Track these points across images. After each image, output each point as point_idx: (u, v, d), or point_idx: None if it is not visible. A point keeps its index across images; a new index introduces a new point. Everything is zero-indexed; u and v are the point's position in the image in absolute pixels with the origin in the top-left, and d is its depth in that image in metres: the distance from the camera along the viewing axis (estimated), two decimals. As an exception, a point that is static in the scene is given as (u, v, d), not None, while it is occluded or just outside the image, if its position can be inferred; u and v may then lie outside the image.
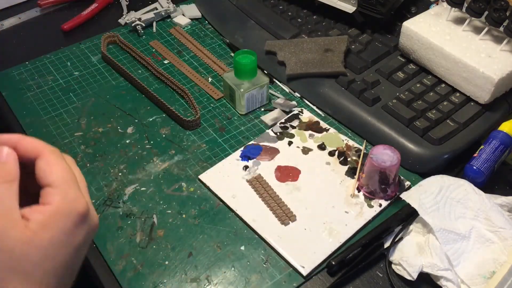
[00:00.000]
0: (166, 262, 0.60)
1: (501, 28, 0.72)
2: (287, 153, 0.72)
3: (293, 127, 0.75)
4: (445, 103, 0.74)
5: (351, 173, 0.69)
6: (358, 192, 0.67)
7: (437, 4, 0.82)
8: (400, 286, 0.59)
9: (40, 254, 0.38)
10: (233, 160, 0.70)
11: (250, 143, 0.73)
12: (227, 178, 0.68)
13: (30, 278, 0.38)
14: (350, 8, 0.84)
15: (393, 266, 0.60)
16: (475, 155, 0.68)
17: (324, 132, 0.74)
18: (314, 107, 0.79)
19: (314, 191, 0.67)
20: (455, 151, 0.69)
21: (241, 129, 0.76)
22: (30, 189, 0.41)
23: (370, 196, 0.66)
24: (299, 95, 0.80)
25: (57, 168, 0.41)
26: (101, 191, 0.67)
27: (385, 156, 0.64)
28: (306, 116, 0.77)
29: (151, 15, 0.93)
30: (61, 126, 0.76)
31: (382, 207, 0.65)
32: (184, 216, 0.65)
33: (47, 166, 0.41)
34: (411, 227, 0.62)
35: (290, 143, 0.73)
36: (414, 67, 0.79)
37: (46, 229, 0.38)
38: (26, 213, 0.38)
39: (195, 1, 0.98)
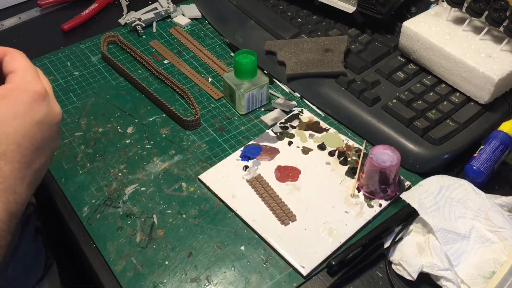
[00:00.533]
0: (166, 262, 0.60)
1: (501, 28, 0.72)
2: (287, 153, 0.72)
3: (293, 127, 0.75)
4: (445, 103, 0.74)
5: (351, 173, 0.69)
6: (358, 192, 0.67)
7: (437, 4, 0.82)
8: (400, 286, 0.59)
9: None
10: (233, 160, 0.70)
11: (250, 143, 0.73)
12: (227, 178, 0.68)
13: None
14: (350, 8, 0.84)
15: (393, 266, 0.60)
16: (475, 155, 0.68)
17: (324, 132, 0.74)
18: (314, 107, 0.79)
19: (314, 191, 0.67)
20: (455, 151, 0.69)
21: (241, 129, 0.76)
22: None
23: (370, 196, 0.66)
24: (299, 95, 0.80)
25: (20, 59, 0.48)
26: (101, 191, 0.67)
27: (385, 156, 0.64)
28: (306, 116, 0.77)
29: (151, 15, 0.93)
30: (61, 126, 0.76)
31: (382, 207, 0.65)
32: (184, 216, 0.65)
33: (10, 59, 0.48)
34: (411, 227, 0.62)
35: (290, 143, 0.73)
36: (414, 67, 0.79)
37: (5, 99, 0.45)
38: None
39: (195, 1, 0.98)
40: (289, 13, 0.90)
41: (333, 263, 0.58)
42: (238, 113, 0.78)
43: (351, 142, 0.73)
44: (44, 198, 0.70)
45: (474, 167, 0.67)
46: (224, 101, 0.80)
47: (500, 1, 0.69)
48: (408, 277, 0.58)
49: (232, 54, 0.87)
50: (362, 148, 0.72)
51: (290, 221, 0.63)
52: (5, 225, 0.43)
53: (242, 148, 0.72)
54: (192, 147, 0.73)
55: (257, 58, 0.75)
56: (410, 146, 0.70)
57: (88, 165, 0.70)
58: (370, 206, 0.65)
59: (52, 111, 0.49)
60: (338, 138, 0.74)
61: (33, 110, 0.46)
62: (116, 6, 1.00)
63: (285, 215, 0.64)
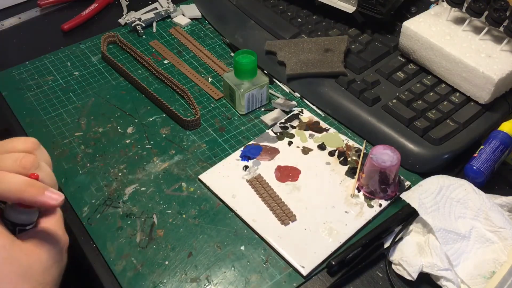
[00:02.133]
0: (166, 262, 0.60)
1: (501, 28, 0.72)
2: (287, 153, 0.72)
3: (293, 127, 0.75)
4: (445, 103, 0.74)
5: (351, 173, 0.69)
6: (358, 192, 0.67)
7: (437, 4, 0.82)
8: (400, 286, 0.59)
9: (41, 266, 0.47)
10: (233, 160, 0.70)
11: (250, 143, 0.73)
12: (227, 178, 0.68)
13: (38, 285, 0.46)
14: (350, 8, 0.84)
15: (393, 266, 0.60)
16: (475, 155, 0.68)
17: (324, 132, 0.74)
18: (314, 107, 0.79)
19: (314, 191, 0.67)
20: (455, 151, 0.69)
21: (241, 129, 0.76)
22: None
23: (370, 196, 0.66)
24: (299, 95, 0.80)
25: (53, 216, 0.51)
26: (101, 191, 0.67)
27: (385, 156, 0.64)
28: (306, 116, 0.77)
29: (151, 15, 0.93)
30: (61, 126, 0.76)
31: (382, 207, 0.65)
32: (184, 216, 0.65)
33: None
34: (411, 227, 0.62)
35: (290, 143, 0.73)
36: (414, 67, 0.79)
37: (43, 246, 0.48)
38: (21, 235, 0.47)
39: (195, 1, 0.98)
40: (289, 13, 0.90)
41: (333, 263, 0.58)
42: (238, 113, 0.78)
43: (351, 142, 0.73)
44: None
45: (474, 167, 0.67)
46: (224, 101, 0.80)
47: (500, 1, 0.69)
48: (408, 277, 0.58)
49: (232, 54, 0.87)
50: (362, 148, 0.72)
51: (290, 221, 0.63)
52: None
53: (242, 148, 0.72)
54: (192, 147, 0.73)
55: (257, 58, 0.75)
56: (410, 146, 0.70)
57: (88, 165, 0.70)
58: (370, 206, 0.65)
59: (64, 264, 0.52)
60: (338, 138, 0.74)
61: (61, 257, 0.50)
62: (116, 6, 1.00)
63: (285, 215, 0.64)
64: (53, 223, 0.50)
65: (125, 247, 0.61)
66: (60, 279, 0.51)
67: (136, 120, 0.77)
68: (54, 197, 0.47)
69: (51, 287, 0.49)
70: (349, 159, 0.71)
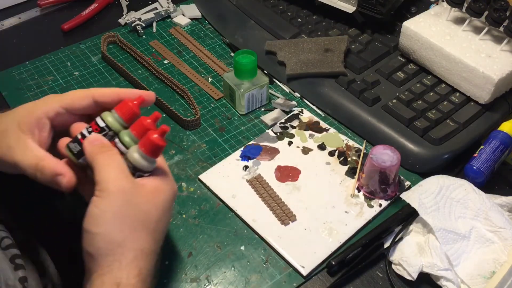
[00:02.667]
0: (166, 262, 0.60)
1: (501, 28, 0.72)
2: (287, 153, 0.72)
3: (293, 127, 0.75)
4: (445, 103, 0.74)
5: (351, 173, 0.69)
6: (358, 192, 0.67)
7: (437, 4, 0.82)
8: (400, 286, 0.59)
9: (158, 213, 0.49)
10: (233, 160, 0.70)
11: (250, 143, 0.73)
12: (227, 178, 0.68)
13: (152, 232, 0.48)
14: (350, 8, 0.84)
15: (393, 266, 0.60)
16: (475, 155, 0.68)
17: (324, 132, 0.74)
18: (314, 107, 0.79)
19: (314, 191, 0.67)
20: (455, 151, 0.70)
21: (241, 129, 0.76)
22: None
23: (370, 196, 0.66)
24: (299, 95, 0.80)
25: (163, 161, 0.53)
26: (101, 191, 0.67)
27: (385, 156, 0.64)
28: (306, 116, 0.77)
29: (151, 15, 0.93)
30: (61, 126, 0.76)
31: (382, 207, 0.65)
32: (184, 216, 0.65)
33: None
34: (411, 227, 0.62)
35: (290, 143, 0.73)
36: (414, 67, 0.79)
37: (160, 194, 0.50)
38: (139, 180, 0.49)
39: (195, 1, 0.98)
40: (289, 13, 0.90)
41: (333, 263, 0.58)
42: (238, 113, 0.78)
43: (351, 142, 0.73)
44: (44, 198, 0.70)
45: (474, 167, 0.67)
46: (224, 101, 0.80)
47: (500, 1, 0.69)
48: (408, 277, 0.58)
49: (232, 54, 0.87)
50: (362, 148, 0.72)
51: (290, 221, 0.63)
52: None
53: (242, 148, 0.72)
54: (192, 147, 0.73)
55: (257, 58, 0.75)
56: (410, 146, 0.70)
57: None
58: (370, 206, 0.65)
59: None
60: (338, 138, 0.74)
61: (171, 208, 0.52)
62: (116, 6, 1.00)
63: (285, 215, 0.64)
64: (167, 174, 0.52)
65: (125, 247, 0.61)
66: (166, 231, 0.53)
67: (136, 120, 0.77)
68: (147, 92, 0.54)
69: (162, 237, 0.51)
70: (349, 159, 0.71)
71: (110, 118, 0.51)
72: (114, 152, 0.49)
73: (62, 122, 0.54)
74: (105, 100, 0.53)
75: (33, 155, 0.51)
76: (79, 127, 0.53)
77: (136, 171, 0.49)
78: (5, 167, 0.54)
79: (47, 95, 0.76)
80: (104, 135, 0.51)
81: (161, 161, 0.52)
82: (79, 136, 0.51)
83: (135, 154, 0.49)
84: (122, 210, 0.47)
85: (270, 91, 0.81)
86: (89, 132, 0.51)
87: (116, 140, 0.51)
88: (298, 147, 0.72)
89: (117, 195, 0.47)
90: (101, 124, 0.51)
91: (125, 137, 0.51)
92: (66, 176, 0.50)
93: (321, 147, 0.72)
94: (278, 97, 0.80)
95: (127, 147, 0.50)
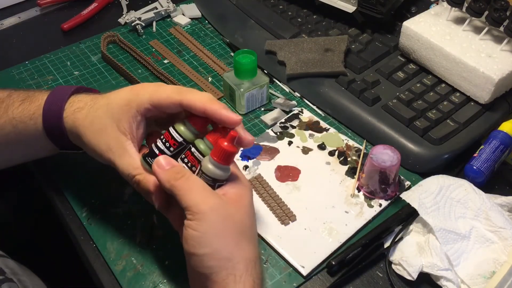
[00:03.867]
0: (166, 262, 0.60)
1: (501, 28, 0.72)
2: (287, 153, 0.72)
3: (293, 127, 0.75)
4: (445, 103, 0.74)
5: (351, 173, 0.69)
6: (358, 192, 0.67)
7: (437, 4, 0.82)
8: (400, 286, 0.59)
9: (249, 219, 0.51)
10: (233, 160, 0.70)
11: (250, 143, 0.73)
12: (227, 178, 0.68)
13: (250, 238, 0.50)
14: (350, 8, 0.84)
15: (393, 266, 0.60)
16: (475, 155, 0.68)
17: (324, 132, 0.74)
18: (314, 107, 0.79)
19: (314, 191, 0.67)
20: (455, 151, 0.70)
21: (241, 129, 0.76)
22: None
23: (370, 196, 0.66)
24: (299, 95, 0.80)
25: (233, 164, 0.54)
26: (101, 191, 0.67)
27: (385, 156, 0.64)
28: (306, 116, 0.77)
29: (151, 14, 0.93)
30: (61, 126, 0.76)
31: (382, 207, 0.65)
32: (184, 216, 0.65)
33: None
34: (411, 227, 0.62)
35: (290, 143, 0.73)
36: (414, 67, 0.79)
37: (243, 199, 0.51)
38: (220, 191, 0.51)
39: (195, 0, 0.98)
40: (289, 13, 0.90)
41: (333, 263, 0.58)
42: (238, 113, 0.78)
43: (351, 142, 0.73)
44: (44, 198, 0.70)
45: (474, 167, 0.67)
46: (224, 101, 0.80)
47: (500, 1, 0.69)
48: (408, 277, 0.58)
49: (232, 54, 0.87)
50: (362, 148, 0.72)
51: (290, 221, 0.63)
52: None
53: (242, 148, 0.72)
54: (192, 147, 0.73)
55: (257, 58, 0.75)
56: (410, 146, 0.70)
57: (88, 165, 0.70)
58: (370, 206, 0.65)
59: None
60: (338, 138, 0.74)
61: (253, 209, 0.53)
62: (116, 5, 1.00)
63: (285, 215, 0.64)
64: (242, 176, 0.53)
65: (125, 247, 0.61)
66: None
67: (136, 120, 0.76)
68: (234, 115, 0.52)
69: (256, 239, 0.52)
70: (349, 159, 0.71)
71: (183, 128, 0.53)
72: (189, 174, 0.50)
73: (151, 114, 0.56)
74: (192, 109, 0.53)
75: (131, 164, 0.54)
76: (153, 137, 0.57)
77: (214, 182, 0.51)
78: (102, 160, 0.57)
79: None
80: (181, 148, 0.53)
81: (233, 170, 0.53)
82: (156, 151, 0.53)
83: (209, 165, 0.50)
84: (221, 227, 0.48)
85: (270, 91, 0.81)
86: (164, 144, 0.53)
87: (193, 149, 0.53)
88: (298, 147, 0.72)
89: (212, 214, 0.48)
90: (179, 139, 0.53)
91: (201, 145, 0.52)
92: (157, 200, 0.53)
93: (321, 147, 0.72)
94: (278, 97, 0.80)
95: (203, 155, 0.52)
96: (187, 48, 0.90)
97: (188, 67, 0.85)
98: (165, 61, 0.87)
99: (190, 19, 0.95)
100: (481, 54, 0.72)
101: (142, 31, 0.92)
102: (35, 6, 0.99)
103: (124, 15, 0.94)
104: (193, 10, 0.96)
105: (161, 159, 0.51)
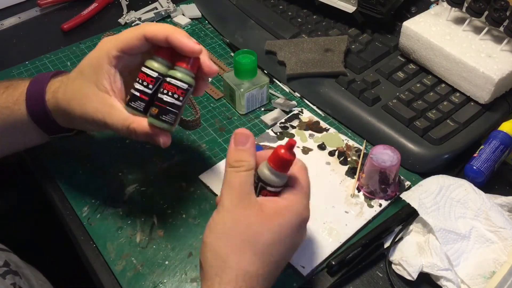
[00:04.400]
0: (166, 262, 0.60)
1: (501, 28, 0.72)
2: (287, 153, 0.71)
3: (293, 127, 0.75)
4: (445, 103, 0.74)
5: (351, 173, 0.69)
6: (358, 192, 0.67)
7: (437, 4, 0.82)
8: (400, 286, 0.59)
9: (270, 237, 0.47)
10: (233, 160, 0.70)
11: (250, 143, 0.73)
12: (227, 178, 0.68)
13: (260, 255, 0.47)
14: (350, 8, 0.84)
15: (393, 266, 0.60)
16: (475, 155, 0.68)
17: (324, 132, 0.74)
18: (314, 107, 0.79)
19: (314, 191, 0.66)
20: (455, 151, 0.70)
21: (241, 129, 0.76)
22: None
23: (370, 196, 0.66)
24: (299, 95, 0.80)
25: (305, 177, 0.52)
26: (101, 191, 0.67)
27: (385, 156, 0.64)
28: (306, 116, 0.77)
29: (151, 14, 0.93)
30: (61, 126, 0.76)
31: (382, 207, 0.65)
32: (184, 216, 0.65)
33: (296, 167, 0.52)
34: (411, 227, 0.62)
35: (290, 143, 0.73)
36: (414, 67, 0.79)
37: (278, 217, 0.48)
38: (260, 199, 0.49)
39: (195, 1, 0.98)
40: (289, 13, 0.90)
41: (333, 263, 0.58)
42: (238, 113, 0.78)
43: (351, 142, 0.73)
44: (44, 198, 0.70)
45: (474, 167, 0.67)
46: (224, 101, 0.80)
47: (500, 1, 0.69)
48: (408, 277, 0.58)
49: (232, 54, 0.87)
50: (362, 148, 0.72)
51: (290, 221, 0.63)
52: None
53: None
54: (192, 147, 0.73)
55: (257, 58, 0.75)
56: (410, 146, 0.70)
57: (88, 164, 0.70)
58: (370, 206, 0.65)
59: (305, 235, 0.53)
60: (338, 138, 0.74)
61: (295, 234, 0.50)
62: (116, 5, 1.00)
63: (285, 215, 0.64)
64: (297, 198, 0.50)
65: (125, 247, 0.61)
66: (291, 257, 0.51)
67: (136, 120, 0.76)
68: (195, 44, 0.53)
69: (276, 263, 0.48)
70: (349, 159, 0.71)
71: (154, 63, 0.55)
72: (242, 169, 0.50)
73: (122, 64, 0.57)
74: (156, 40, 0.54)
75: (121, 117, 0.55)
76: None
77: (267, 185, 0.50)
78: (96, 128, 0.60)
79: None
80: (159, 83, 0.55)
81: (299, 183, 0.51)
82: (137, 93, 0.55)
83: (265, 170, 0.50)
84: (232, 226, 0.47)
85: (270, 91, 0.81)
86: (142, 84, 0.55)
87: (169, 79, 0.54)
88: (298, 147, 0.72)
89: (230, 211, 0.48)
90: (153, 74, 0.55)
91: (178, 74, 0.54)
92: (164, 137, 0.55)
93: (321, 147, 0.72)
94: (278, 97, 0.80)
95: (184, 81, 0.54)
96: (187, 48, 0.89)
97: (188, 67, 0.85)
98: (165, 61, 0.87)
99: (190, 19, 0.95)
100: (481, 54, 0.72)
101: (142, 31, 0.92)
102: (35, 6, 0.99)
103: (124, 15, 0.94)
104: (193, 10, 0.96)
105: (240, 132, 0.51)
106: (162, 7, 0.95)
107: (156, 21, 0.94)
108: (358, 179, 0.68)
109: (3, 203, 0.94)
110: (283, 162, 0.49)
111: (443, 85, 0.76)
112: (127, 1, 0.99)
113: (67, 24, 0.93)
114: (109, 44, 0.56)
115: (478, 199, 0.62)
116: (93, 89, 0.56)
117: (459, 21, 0.77)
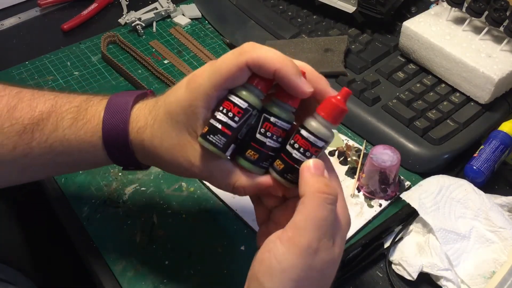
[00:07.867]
0: (166, 262, 0.60)
1: (501, 28, 0.72)
2: (287, 153, 0.71)
3: (293, 127, 0.75)
4: (445, 103, 0.74)
5: (351, 173, 0.69)
6: (358, 192, 0.67)
7: (437, 4, 0.82)
8: (400, 286, 0.59)
9: (334, 274, 0.42)
10: (233, 160, 0.70)
11: (250, 143, 0.73)
12: (227, 178, 0.68)
13: None
14: (350, 8, 0.84)
15: (393, 266, 0.60)
16: (475, 155, 0.68)
17: (324, 132, 0.74)
18: (314, 107, 0.79)
19: (314, 191, 0.67)
20: (455, 151, 0.69)
21: (241, 129, 0.76)
22: None
23: (370, 196, 0.66)
24: (299, 95, 0.80)
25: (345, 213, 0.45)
26: (101, 191, 0.67)
27: (385, 156, 0.64)
28: (306, 116, 0.77)
29: (151, 15, 0.93)
30: (61, 126, 0.76)
31: (382, 207, 0.65)
32: (184, 216, 0.65)
33: (339, 204, 0.44)
34: (411, 227, 0.62)
35: (290, 143, 0.73)
36: (414, 67, 0.79)
37: (341, 251, 0.43)
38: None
39: (195, 1, 0.98)
40: (289, 13, 0.90)
41: (333, 263, 0.58)
42: (238, 113, 0.78)
43: (351, 142, 0.73)
44: (44, 198, 0.70)
45: (474, 167, 0.67)
46: (224, 101, 0.80)
47: (500, 1, 0.69)
48: (408, 277, 0.58)
49: (232, 54, 0.87)
50: (362, 148, 0.72)
51: (290, 221, 0.63)
52: None
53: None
54: (192, 147, 0.73)
55: (257, 58, 0.75)
56: (410, 146, 0.70)
57: (88, 165, 0.70)
58: (370, 206, 0.65)
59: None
60: (338, 138, 0.74)
61: (328, 272, 0.43)
62: (116, 6, 1.00)
63: (285, 215, 0.64)
64: (339, 239, 0.43)
65: (125, 247, 0.61)
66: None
67: (136, 120, 0.76)
68: (306, 86, 0.43)
69: None
70: (349, 159, 0.71)
71: (245, 92, 0.44)
72: (329, 198, 0.41)
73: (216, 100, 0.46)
74: (259, 70, 0.44)
75: (223, 171, 0.46)
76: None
77: (314, 147, 0.43)
78: (186, 177, 0.51)
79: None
80: (247, 116, 0.44)
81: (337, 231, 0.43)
82: (218, 125, 0.44)
83: (312, 122, 0.43)
84: (304, 277, 0.40)
85: (270, 91, 0.80)
86: (226, 115, 0.44)
87: (268, 117, 0.44)
88: (298, 147, 0.72)
89: (303, 256, 0.39)
90: (243, 105, 0.43)
91: (274, 108, 0.44)
92: (269, 198, 0.47)
93: (321, 147, 0.72)
94: (278, 97, 0.80)
95: (284, 120, 0.44)
96: (187, 49, 0.90)
97: (188, 68, 0.85)
98: (165, 62, 0.87)
99: (190, 20, 0.95)
100: (481, 54, 0.72)
101: (142, 31, 0.92)
102: (35, 6, 0.99)
103: (124, 16, 0.94)
104: (193, 11, 0.96)
105: (316, 162, 0.43)
106: (162, 7, 0.95)
107: (156, 21, 0.94)
108: (358, 179, 0.68)
109: (2, 203, 0.94)
110: (338, 111, 0.42)
111: (443, 85, 0.76)
112: (127, 1, 0.99)
113: (67, 24, 0.93)
114: (206, 82, 0.44)
115: (478, 199, 0.62)
116: (185, 136, 0.46)
117: (459, 21, 0.77)
